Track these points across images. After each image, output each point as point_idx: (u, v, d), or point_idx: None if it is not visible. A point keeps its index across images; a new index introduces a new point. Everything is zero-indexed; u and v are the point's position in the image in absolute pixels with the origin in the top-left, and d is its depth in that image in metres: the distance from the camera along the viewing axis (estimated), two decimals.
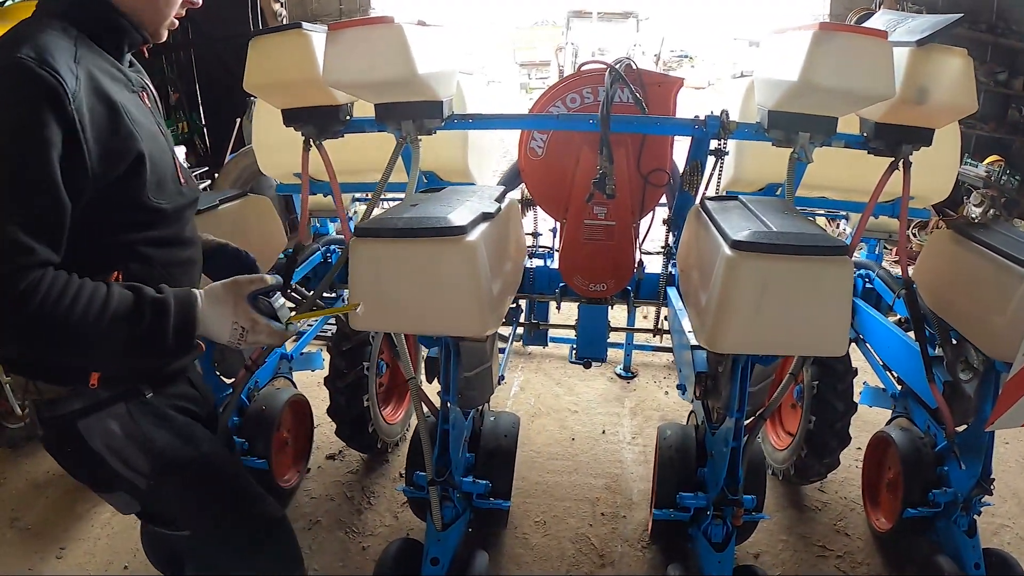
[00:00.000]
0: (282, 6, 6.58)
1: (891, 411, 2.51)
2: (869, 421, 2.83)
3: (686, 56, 18.42)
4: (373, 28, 1.85)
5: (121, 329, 1.08)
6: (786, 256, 1.42)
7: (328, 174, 2.30)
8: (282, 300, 1.26)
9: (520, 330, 3.01)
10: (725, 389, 1.86)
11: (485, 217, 1.59)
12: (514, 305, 2.93)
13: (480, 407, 2.24)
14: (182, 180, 1.34)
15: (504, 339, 3.18)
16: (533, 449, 2.99)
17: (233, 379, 2.36)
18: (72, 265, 1.09)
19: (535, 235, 3.24)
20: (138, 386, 1.30)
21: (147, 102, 1.32)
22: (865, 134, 1.96)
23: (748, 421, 1.94)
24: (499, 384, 2.80)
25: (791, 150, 1.92)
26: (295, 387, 2.86)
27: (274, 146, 2.67)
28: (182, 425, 1.38)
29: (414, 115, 2.07)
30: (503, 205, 1.77)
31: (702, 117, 2.04)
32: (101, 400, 1.26)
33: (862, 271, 2.78)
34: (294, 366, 2.91)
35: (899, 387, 2.49)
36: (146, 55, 1.31)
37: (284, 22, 6.35)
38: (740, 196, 1.88)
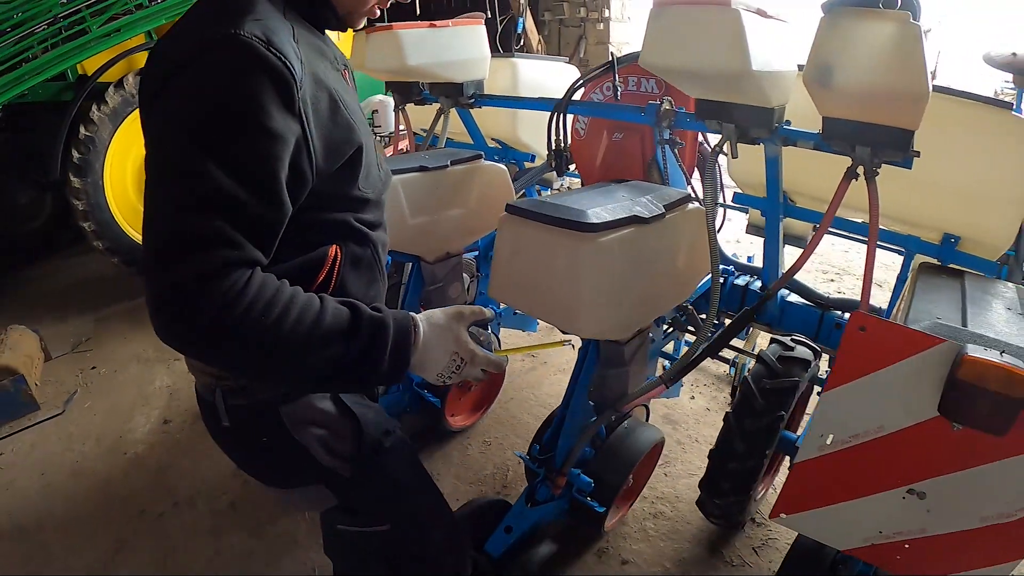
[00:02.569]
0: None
1: None
2: None
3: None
4: (378, 35, 2.40)
5: (333, 347, 0.92)
6: (535, 224, 1.51)
7: (408, 135, 2.91)
8: (489, 332, 1.16)
9: None
10: None
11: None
12: None
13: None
14: (380, 164, 1.22)
15: None
16: (534, 393, 3.17)
17: None
18: (283, 244, 0.96)
19: None
20: None
21: (349, 80, 1.16)
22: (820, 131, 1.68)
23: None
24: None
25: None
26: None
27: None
28: (372, 401, 1.28)
29: (443, 92, 2.58)
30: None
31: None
32: None
33: None
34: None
35: None
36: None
37: (522, 2, 7.11)
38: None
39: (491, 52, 2.58)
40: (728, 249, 2.81)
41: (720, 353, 3.27)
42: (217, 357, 0.92)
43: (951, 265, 1.91)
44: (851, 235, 2.32)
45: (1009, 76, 4.48)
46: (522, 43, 7.33)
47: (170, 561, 2.27)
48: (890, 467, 1.21)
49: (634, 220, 1.54)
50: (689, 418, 2.98)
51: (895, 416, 1.16)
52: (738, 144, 1.85)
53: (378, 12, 1.19)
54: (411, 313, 1.04)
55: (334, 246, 1.09)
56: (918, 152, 1.49)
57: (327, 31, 1.16)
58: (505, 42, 7.54)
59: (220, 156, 0.85)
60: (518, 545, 1.94)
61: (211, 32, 0.88)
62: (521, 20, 7.16)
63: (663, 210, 1.63)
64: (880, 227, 2.15)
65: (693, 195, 1.83)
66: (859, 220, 2.21)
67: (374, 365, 0.95)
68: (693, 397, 3.17)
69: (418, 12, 8.11)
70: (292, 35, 0.95)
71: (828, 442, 1.22)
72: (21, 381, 3.15)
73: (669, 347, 2.95)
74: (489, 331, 1.20)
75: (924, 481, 1.20)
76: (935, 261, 1.99)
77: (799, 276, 1.98)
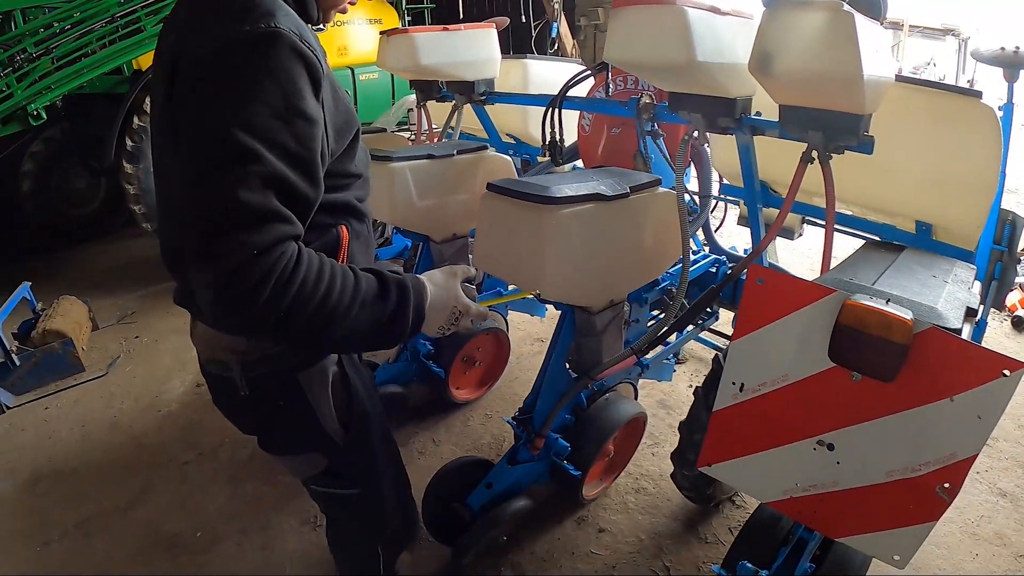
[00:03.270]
0: None
1: None
2: None
3: None
4: (397, 37, 2.65)
5: (369, 312, 1.03)
6: (508, 199, 1.70)
7: (428, 130, 3.13)
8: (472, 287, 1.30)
9: None
10: None
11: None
12: None
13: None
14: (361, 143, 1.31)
15: None
16: (534, 371, 3.25)
17: None
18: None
19: None
20: None
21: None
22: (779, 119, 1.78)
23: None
24: None
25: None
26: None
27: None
28: (366, 373, 1.39)
29: (458, 89, 2.80)
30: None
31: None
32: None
33: None
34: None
35: None
36: None
37: (557, 7, 7.24)
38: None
39: (520, 54, 2.78)
40: (731, 241, 2.91)
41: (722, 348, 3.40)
42: (276, 327, 0.94)
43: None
44: (840, 227, 2.38)
45: None
46: (556, 47, 7.48)
47: (189, 502, 2.52)
48: (799, 417, 1.33)
49: (596, 197, 1.71)
50: (684, 404, 3.07)
51: (797, 365, 1.28)
52: (716, 135, 1.99)
53: (347, 9, 1.27)
54: (417, 275, 1.18)
55: (343, 226, 1.19)
56: (872, 137, 1.59)
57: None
58: (540, 46, 7.73)
59: (271, 140, 0.91)
60: (497, 500, 2.11)
61: (249, 25, 0.93)
62: (555, 25, 7.33)
63: (627, 191, 1.78)
64: (855, 215, 2.26)
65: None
66: (847, 212, 2.30)
67: (403, 322, 1.08)
68: (691, 385, 3.27)
69: (461, 15, 8.45)
70: (305, 27, 1.01)
71: (740, 390, 1.35)
72: (69, 344, 3.46)
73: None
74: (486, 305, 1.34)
75: (831, 432, 1.31)
76: None
77: (796, 270, 2.04)
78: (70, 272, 5.11)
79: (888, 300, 1.18)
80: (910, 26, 9.44)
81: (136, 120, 4.38)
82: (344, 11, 1.26)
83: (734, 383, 1.35)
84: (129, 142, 4.39)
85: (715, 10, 1.67)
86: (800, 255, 4.70)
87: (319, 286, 0.95)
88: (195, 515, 2.47)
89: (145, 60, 4.49)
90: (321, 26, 1.23)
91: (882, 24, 1.81)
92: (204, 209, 0.90)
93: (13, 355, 3.32)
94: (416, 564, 2.18)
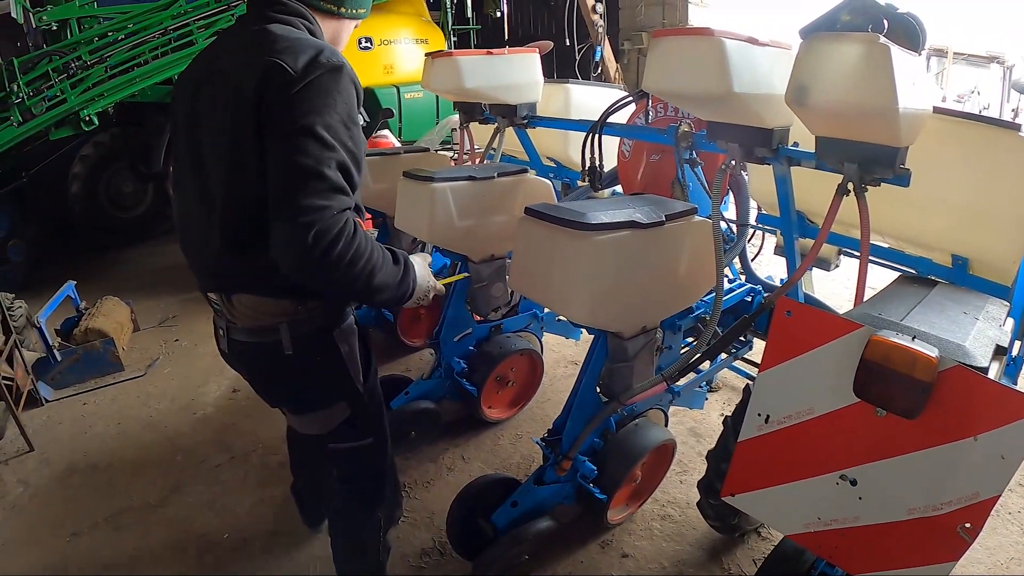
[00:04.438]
0: (601, 17, 7.53)
1: None
2: None
3: None
4: (441, 60, 2.71)
5: (390, 275, 1.37)
6: (544, 224, 1.74)
7: (470, 151, 3.20)
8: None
9: None
10: None
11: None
12: None
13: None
14: None
15: None
16: (566, 393, 3.13)
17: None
18: None
19: None
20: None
21: None
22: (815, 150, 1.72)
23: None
24: None
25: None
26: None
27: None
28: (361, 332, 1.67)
29: (500, 112, 2.87)
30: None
31: None
32: (344, 311, 1.56)
33: None
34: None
35: None
36: None
37: (601, 32, 7.31)
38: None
39: (563, 78, 2.83)
40: (768, 270, 2.90)
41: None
42: (339, 272, 1.25)
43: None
44: (876, 260, 2.36)
45: None
46: (600, 71, 7.55)
47: (218, 503, 2.58)
48: (823, 450, 1.33)
49: (631, 225, 1.73)
50: (715, 433, 3.02)
51: (823, 399, 1.28)
52: (753, 165, 2.00)
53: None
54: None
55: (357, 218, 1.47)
56: (908, 169, 1.57)
57: None
58: (584, 70, 7.82)
59: (340, 139, 1.26)
60: (522, 519, 2.12)
61: (325, 59, 1.28)
62: (599, 49, 7.41)
63: (663, 219, 1.80)
64: (892, 248, 2.24)
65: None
66: (884, 244, 2.28)
67: (406, 283, 1.44)
68: (722, 414, 3.22)
69: (506, 37, 8.59)
70: None
71: (765, 422, 1.35)
72: (110, 343, 3.58)
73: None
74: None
75: (854, 467, 1.31)
76: None
77: (833, 301, 1.98)
78: (114, 273, 5.28)
79: (914, 337, 1.18)
80: (954, 53, 9.22)
81: None
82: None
83: (759, 414, 1.36)
84: None
85: (753, 41, 1.69)
86: (838, 285, 4.63)
87: (368, 246, 1.29)
88: (224, 516, 2.52)
89: None
90: None
91: (921, 54, 1.81)
92: (295, 179, 1.21)
93: (55, 351, 3.44)
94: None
